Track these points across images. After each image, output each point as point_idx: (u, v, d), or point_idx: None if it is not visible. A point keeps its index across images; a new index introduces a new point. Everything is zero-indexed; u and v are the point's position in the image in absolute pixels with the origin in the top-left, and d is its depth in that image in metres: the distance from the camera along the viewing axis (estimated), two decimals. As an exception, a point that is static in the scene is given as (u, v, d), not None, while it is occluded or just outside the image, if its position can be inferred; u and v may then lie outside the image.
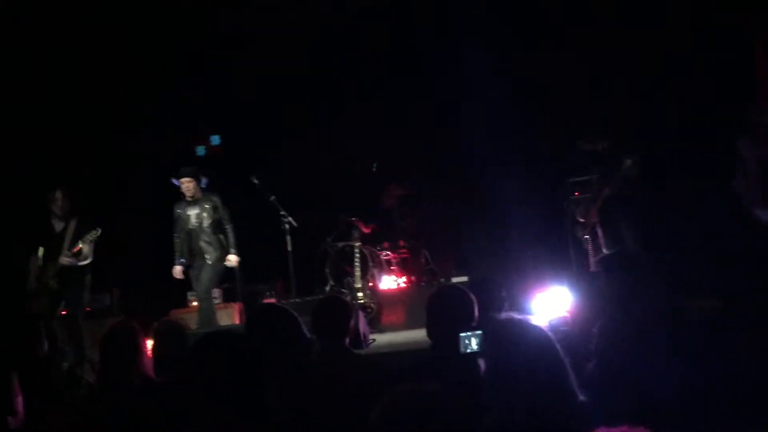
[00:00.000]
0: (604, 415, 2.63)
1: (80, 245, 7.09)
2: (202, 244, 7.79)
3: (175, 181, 7.86)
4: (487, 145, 8.46)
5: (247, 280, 8.69)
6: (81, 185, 7.97)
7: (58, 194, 7.19)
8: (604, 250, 6.76)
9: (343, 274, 8.72)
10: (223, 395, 2.48)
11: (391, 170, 9.89)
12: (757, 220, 5.87)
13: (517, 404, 2.49)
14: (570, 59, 8.23)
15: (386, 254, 9.35)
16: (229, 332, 3.29)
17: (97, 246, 7.22)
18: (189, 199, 7.83)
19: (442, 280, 9.31)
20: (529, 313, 4.60)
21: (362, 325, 6.79)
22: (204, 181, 7.90)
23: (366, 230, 9.12)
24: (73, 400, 4.88)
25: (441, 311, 3.53)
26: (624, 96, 7.92)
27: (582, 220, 7.37)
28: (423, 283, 9.33)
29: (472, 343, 3.24)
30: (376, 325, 8.07)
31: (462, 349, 3.27)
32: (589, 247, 7.23)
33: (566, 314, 4.91)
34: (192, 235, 7.83)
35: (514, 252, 8.75)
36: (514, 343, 2.61)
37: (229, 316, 8.68)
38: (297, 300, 8.44)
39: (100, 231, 7.16)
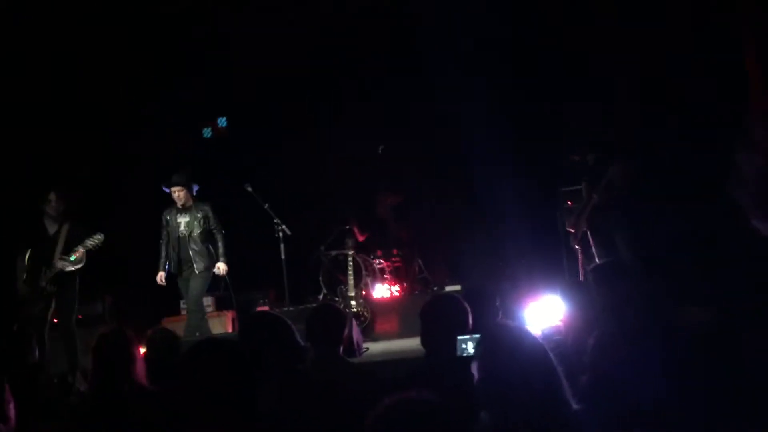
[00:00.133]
0: (597, 425, 2.63)
1: (81, 249, 7.04)
2: (191, 254, 7.72)
3: (165, 188, 7.80)
4: (482, 153, 8.44)
5: (240, 288, 8.65)
6: (79, 186, 7.96)
7: (53, 195, 7.10)
8: (597, 260, 6.78)
9: (337, 283, 8.72)
10: (215, 402, 2.47)
11: (387, 174, 9.89)
12: (756, 231, 5.87)
13: (511, 413, 2.49)
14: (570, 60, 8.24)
15: (379, 263, 9.37)
16: (222, 339, 3.27)
17: (90, 251, 7.15)
18: (180, 206, 7.77)
19: (435, 288, 9.31)
20: (522, 322, 4.61)
21: (356, 333, 6.82)
22: (195, 188, 7.84)
23: (361, 238, 9.13)
24: (65, 408, 4.86)
25: (435, 319, 3.52)
26: (623, 97, 7.91)
27: (572, 230, 7.39)
28: (416, 292, 9.32)
29: (469, 346, 3.25)
30: (369, 334, 8.06)
31: (458, 352, 3.27)
32: (580, 256, 7.25)
33: (559, 323, 4.90)
34: (180, 243, 7.76)
35: (508, 261, 8.75)
36: (508, 351, 2.60)
37: (222, 324, 8.70)
38: (290, 308, 8.41)
39: (103, 237, 7.12)
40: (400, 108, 9.95)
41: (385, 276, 9.35)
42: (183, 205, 7.76)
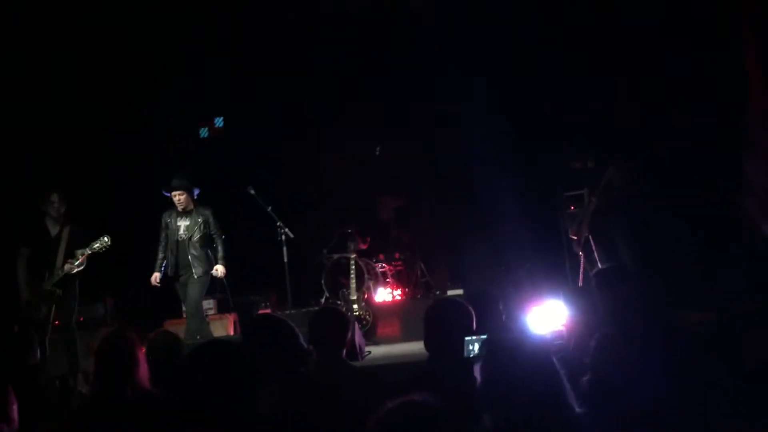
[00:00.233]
0: (599, 428, 2.64)
1: (88, 251, 7.00)
2: (190, 258, 7.65)
3: (166, 192, 7.73)
4: (482, 153, 8.44)
5: (242, 290, 8.64)
6: (80, 187, 7.95)
7: (55, 196, 7.08)
8: (599, 265, 6.79)
9: (339, 286, 8.70)
10: (218, 404, 2.48)
11: (388, 176, 9.88)
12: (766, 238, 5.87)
13: (513, 416, 2.49)
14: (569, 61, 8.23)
15: (382, 266, 9.38)
16: (225, 342, 3.28)
17: (92, 254, 7.10)
18: (180, 210, 7.71)
19: (438, 293, 9.32)
20: (525, 326, 4.62)
21: (358, 337, 6.82)
22: (196, 191, 7.77)
23: (363, 246, 9.12)
24: (66, 410, 4.86)
25: (439, 323, 3.51)
26: (623, 97, 7.91)
27: (575, 237, 7.40)
28: (418, 296, 9.35)
29: (475, 347, 3.26)
30: (371, 338, 8.06)
31: (465, 353, 3.27)
32: (582, 261, 7.26)
33: (562, 328, 4.92)
34: (179, 246, 7.69)
35: (510, 265, 8.73)
36: (510, 354, 2.60)
37: (224, 327, 8.68)
38: (292, 311, 8.39)
39: (109, 240, 7.05)
40: (400, 108, 9.94)
41: (387, 280, 9.36)
42: (184, 209, 7.70)
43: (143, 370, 3.45)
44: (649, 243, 6.89)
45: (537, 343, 2.66)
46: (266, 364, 3.13)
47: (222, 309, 9.09)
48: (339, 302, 8.43)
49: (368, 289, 8.77)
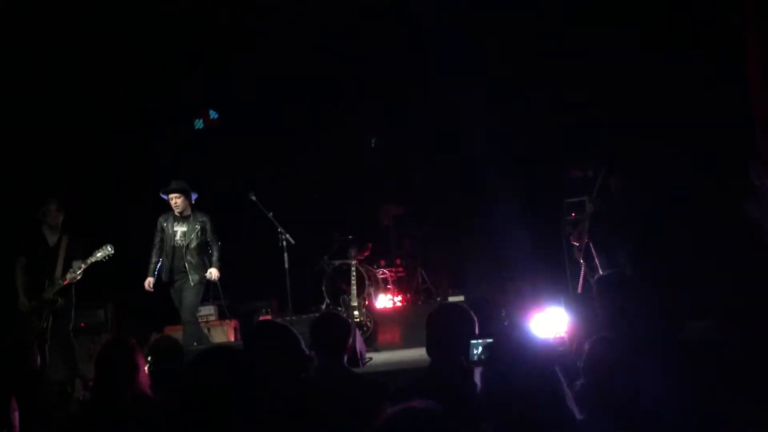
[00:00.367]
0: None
1: (91, 261, 6.93)
2: (186, 265, 7.54)
3: (163, 195, 7.62)
4: (482, 154, 8.44)
5: (242, 297, 8.60)
6: (78, 192, 7.92)
7: (53, 206, 7.01)
8: (601, 271, 6.80)
9: (340, 292, 8.71)
10: (219, 410, 2.47)
11: (389, 179, 9.89)
12: None
13: (514, 423, 2.49)
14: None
15: (383, 273, 9.38)
16: (227, 347, 3.27)
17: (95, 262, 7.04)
18: (177, 214, 7.60)
19: (439, 299, 9.31)
20: (528, 332, 4.62)
21: (359, 343, 6.81)
22: (194, 196, 7.67)
23: (364, 252, 9.12)
24: (66, 416, 4.85)
25: (442, 328, 3.50)
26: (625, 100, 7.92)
27: (576, 243, 7.41)
28: (420, 303, 9.35)
29: (480, 351, 3.26)
30: (372, 344, 8.08)
31: (470, 357, 3.27)
32: (584, 267, 7.28)
33: (563, 335, 4.93)
34: (175, 252, 7.57)
35: (512, 272, 8.70)
36: (511, 361, 2.60)
37: (224, 333, 8.64)
38: (293, 317, 8.24)
39: (112, 249, 6.98)
40: (399, 108, 9.94)
41: (388, 286, 9.35)
42: (181, 213, 7.59)
43: (143, 377, 3.45)
44: (650, 250, 6.90)
45: (539, 349, 2.65)
46: (267, 370, 3.13)
47: (223, 315, 9.01)
48: (340, 308, 8.44)
49: (369, 295, 8.76)
